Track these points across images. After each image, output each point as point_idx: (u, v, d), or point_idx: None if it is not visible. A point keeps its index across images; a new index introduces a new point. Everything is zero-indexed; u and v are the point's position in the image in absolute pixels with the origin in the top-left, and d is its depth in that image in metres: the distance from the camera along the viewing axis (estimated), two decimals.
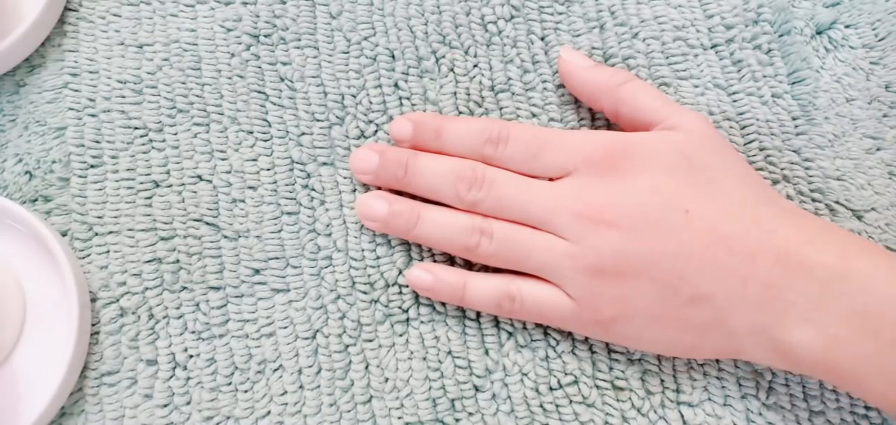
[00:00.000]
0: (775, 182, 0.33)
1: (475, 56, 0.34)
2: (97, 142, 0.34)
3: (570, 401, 0.31)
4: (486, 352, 0.32)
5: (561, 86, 0.34)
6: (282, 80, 0.34)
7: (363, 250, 0.33)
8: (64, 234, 0.33)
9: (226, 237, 0.33)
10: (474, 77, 0.34)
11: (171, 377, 0.32)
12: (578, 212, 0.29)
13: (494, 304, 0.31)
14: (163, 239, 0.33)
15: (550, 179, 0.30)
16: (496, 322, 0.32)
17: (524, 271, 0.30)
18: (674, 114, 0.30)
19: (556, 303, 0.30)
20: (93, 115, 0.34)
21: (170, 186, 0.33)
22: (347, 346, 0.32)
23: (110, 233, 0.33)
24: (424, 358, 0.32)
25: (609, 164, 0.29)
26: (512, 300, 0.30)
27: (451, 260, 0.33)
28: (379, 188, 0.33)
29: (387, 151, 0.32)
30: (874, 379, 0.26)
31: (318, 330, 0.32)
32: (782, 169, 0.33)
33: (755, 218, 0.28)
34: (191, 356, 0.32)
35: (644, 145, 0.29)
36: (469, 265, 0.33)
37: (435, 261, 0.33)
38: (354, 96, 0.34)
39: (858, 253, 0.27)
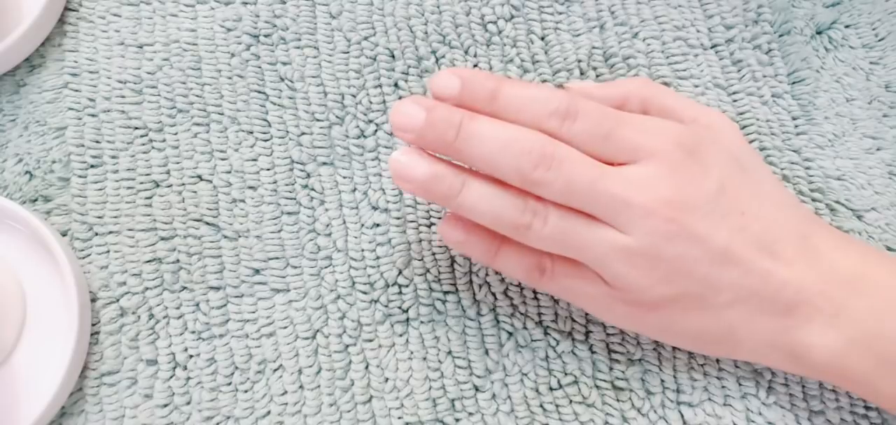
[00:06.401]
0: None
1: (475, 56, 0.34)
2: (97, 142, 0.34)
3: (570, 401, 0.31)
4: (486, 352, 0.32)
5: (561, 86, 0.34)
6: (282, 79, 0.34)
7: (363, 250, 0.33)
8: (64, 234, 0.33)
9: (226, 237, 0.33)
10: None
11: (171, 377, 0.32)
12: (652, 210, 0.26)
13: (524, 272, 0.29)
14: (163, 239, 0.33)
15: (615, 164, 0.28)
16: (496, 321, 0.32)
17: (574, 259, 0.28)
18: (702, 114, 0.30)
19: (590, 284, 0.28)
20: (93, 115, 0.34)
21: (170, 186, 0.33)
22: (347, 346, 0.32)
23: (110, 233, 0.33)
24: (424, 358, 0.32)
25: (683, 155, 0.27)
26: (542, 271, 0.29)
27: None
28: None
29: (436, 108, 0.26)
30: (889, 384, 0.27)
31: (318, 330, 0.32)
32: (782, 169, 0.33)
33: (793, 222, 0.28)
34: (191, 356, 0.32)
35: (709, 139, 0.29)
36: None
37: (435, 257, 0.33)
38: (354, 96, 0.34)
39: (877, 261, 0.28)
